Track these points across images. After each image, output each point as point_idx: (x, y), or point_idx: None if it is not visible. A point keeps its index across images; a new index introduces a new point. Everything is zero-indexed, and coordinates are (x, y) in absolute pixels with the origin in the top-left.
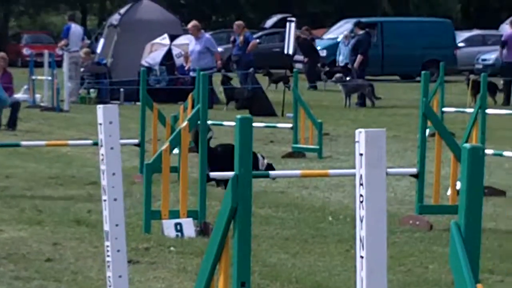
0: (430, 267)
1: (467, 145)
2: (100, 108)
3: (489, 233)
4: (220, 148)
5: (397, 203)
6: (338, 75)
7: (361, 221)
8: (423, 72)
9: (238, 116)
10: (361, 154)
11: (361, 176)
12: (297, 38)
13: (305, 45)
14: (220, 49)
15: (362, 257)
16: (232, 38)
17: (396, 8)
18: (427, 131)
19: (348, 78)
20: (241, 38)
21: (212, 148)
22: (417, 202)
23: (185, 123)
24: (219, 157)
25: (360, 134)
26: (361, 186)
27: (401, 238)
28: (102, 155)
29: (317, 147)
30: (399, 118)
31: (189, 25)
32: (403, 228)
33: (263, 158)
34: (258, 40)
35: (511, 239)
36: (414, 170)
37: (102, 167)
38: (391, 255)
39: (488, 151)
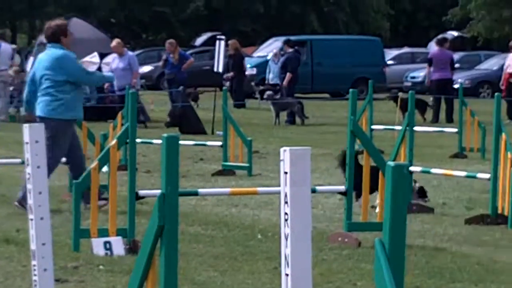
0: (358, 284)
1: (391, 163)
2: (26, 127)
3: (417, 250)
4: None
5: (326, 220)
6: (268, 92)
7: (286, 239)
8: (351, 89)
9: (165, 135)
10: (285, 173)
11: (285, 194)
12: (235, 49)
13: (237, 59)
14: (150, 67)
15: (287, 275)
16: (164, 57)
17: (325, 26)
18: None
19: (277, 96)
20: (176, 56)
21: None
22: (345, 220)
23: (114, 141)
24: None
25: (285, 153)
26: (286, 204)
27: (329, 255)
28: (29, 174)
29: (247, 165)
30: (328, 135)
31: (113, 43)
32: (331, 246)
33: (415, 182)
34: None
35: (438, 256)
36: (342, 187)
37: (29, 186)
38: (319, 273)
39: (416, 168)
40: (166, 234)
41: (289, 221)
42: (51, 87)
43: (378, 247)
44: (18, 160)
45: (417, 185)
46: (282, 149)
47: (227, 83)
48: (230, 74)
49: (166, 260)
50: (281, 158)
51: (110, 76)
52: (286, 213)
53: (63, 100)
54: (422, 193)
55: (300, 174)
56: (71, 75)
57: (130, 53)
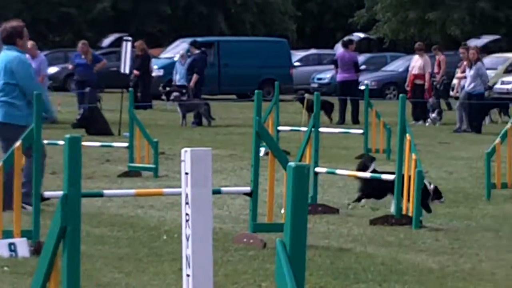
0: (263, 285)
1: (292, 163)
2: None
3: (321, 251)
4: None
5: (231, 221)
6: (175, 94)
7: (187, 239)
8: (256, 91)
9: (67, 136)
10: (186, 173)
11: (186, 195)
12: (142, 50)
13: (143, 60)
14: (57, 68)
15: (188, 275)
16: (74, 59)
17: (233, 27)
18: (263, 149)
19: (184, 98)
20: (89, 56)
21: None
22: (251, 220)
23: (18, 143)
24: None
25: (186, 153)
26: (187, 205)
27: (235, 256)
28: None
29: (153, 166)
30: (235, 137)
31: (28, 45)
32: (237, 246)
33: (430, 183)
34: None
35: (343, 257)
36: (248, 188)
37: None
38: (225, 273)
39: (322, 169)
40: (68, 235)
41: (190, 222)
42: (5, 91)
43: (279, 247)
44: None
45: (432, 186)
46: (183, 150)
47: (131, 83)
48: (136, 73)
49: (69, 261)
50: (182, 158)
51: (52, 112)
52: (187, 214)
53: (18, 107)
54: (437, 193)
55: (201, 174)
56: (20, 79)
57: (42, 55)
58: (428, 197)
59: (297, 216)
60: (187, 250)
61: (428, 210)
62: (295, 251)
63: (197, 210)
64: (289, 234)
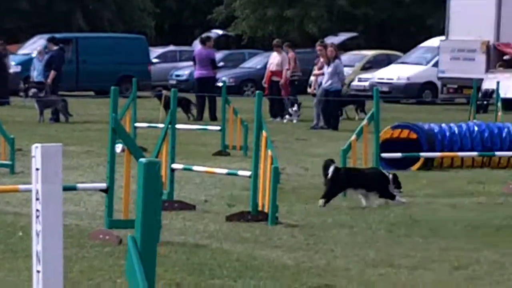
0: (118, 281)
1: (143, 159)
2: None
3: (177, 247)
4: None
5: (88, 217)
6: (33, 90)
7: (38, 235)
8: (112, 87)
9: None
10: (37, 169)
11: (37, 191)
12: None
13: None
14: None
15: (38, 271)
16: None
17: (91, 24)
18: (120, 146)
19: (42, 94)
20: None
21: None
22: (106, 217)
23: None
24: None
25: (37, 149)
26: (37, 201)
27: (90, 252)
28: None
29: (10, 162)
30: (92, 133)
31: None
32: (93, 243)
33: (388, 173)
34: None
35: (199, 253)
36: (103, 185)
37: None
38: (80, 270)
39: (178, 166)
40: None
41: (40, 218)
42: None
43: (130, 243)
44: None
45: (390, 175)
46: (33, 146)
47: None
48: None
49: None
50: (33, 154)
51: None
52: (37, 210)
53: None
54: (396, 183)
55: (51, 170)
56: None
57: None
58: (388, 184)
59: (148, 212)
60: (37, 246)
61: (392, 197)
62: (146, 247)
63: (47, 206)
64: (140, 230)
